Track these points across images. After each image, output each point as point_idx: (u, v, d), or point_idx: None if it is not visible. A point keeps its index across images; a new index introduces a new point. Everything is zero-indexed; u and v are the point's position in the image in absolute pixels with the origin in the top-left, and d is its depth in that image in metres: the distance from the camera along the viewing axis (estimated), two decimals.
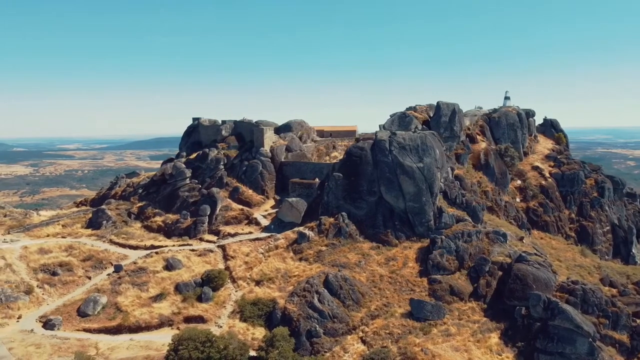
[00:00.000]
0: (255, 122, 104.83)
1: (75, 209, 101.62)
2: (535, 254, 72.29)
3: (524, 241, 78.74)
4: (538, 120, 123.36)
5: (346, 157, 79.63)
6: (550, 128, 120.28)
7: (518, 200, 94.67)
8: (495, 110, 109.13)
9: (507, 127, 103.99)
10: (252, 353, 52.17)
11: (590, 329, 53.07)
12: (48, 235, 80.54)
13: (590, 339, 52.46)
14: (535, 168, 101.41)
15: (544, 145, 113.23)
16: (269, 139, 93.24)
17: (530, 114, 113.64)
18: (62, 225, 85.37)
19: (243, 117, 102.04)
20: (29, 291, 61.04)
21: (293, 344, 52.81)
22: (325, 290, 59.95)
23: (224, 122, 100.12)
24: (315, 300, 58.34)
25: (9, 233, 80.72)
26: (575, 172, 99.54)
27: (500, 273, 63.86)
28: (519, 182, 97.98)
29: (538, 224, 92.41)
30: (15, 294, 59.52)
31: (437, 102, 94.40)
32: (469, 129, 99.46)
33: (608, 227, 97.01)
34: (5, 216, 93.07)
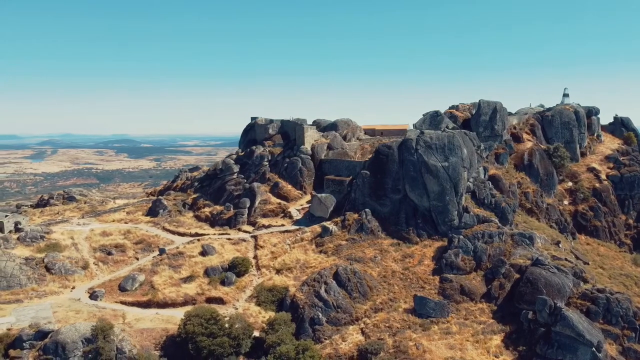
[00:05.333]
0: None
1: (145, 198, 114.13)
2: (566, 259, 69.28)
3: (560, 245, 75.40)
4: (607, 119, 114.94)
5: (374, 156, 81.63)
6: (620, 127, 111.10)
7: (566, 203, 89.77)
8: (549, 109, 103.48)
9: (560, 125, 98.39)
10: (257, 334, 57.02)
11: (595, 338, 50.87)
12: (113, 221, 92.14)
13: (594, 349, 50.36)
14: (591, 170, 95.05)
15: (609, 145, 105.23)
16: (310, 137, 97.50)
17: (592, 111, 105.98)
18: (127, 213, 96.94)
19: (290, 116, 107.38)
20: (85, 266, 71.26)
21: (293, 328, 56.86)
22: (334, 282, 63.06)
23: (270, 121, 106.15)
24: (322, 291, 61.71)
25: (83, 217, 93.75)
26: (635, 175, 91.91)
27: (517, 276, 62.62)
28: (570, 184, 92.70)
29: (587, 229, 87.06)
30: (74, 268, 69.89)
31: (479, 101, 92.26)
32: (514, 127, 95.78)
33: None
34: (85, 203, 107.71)
